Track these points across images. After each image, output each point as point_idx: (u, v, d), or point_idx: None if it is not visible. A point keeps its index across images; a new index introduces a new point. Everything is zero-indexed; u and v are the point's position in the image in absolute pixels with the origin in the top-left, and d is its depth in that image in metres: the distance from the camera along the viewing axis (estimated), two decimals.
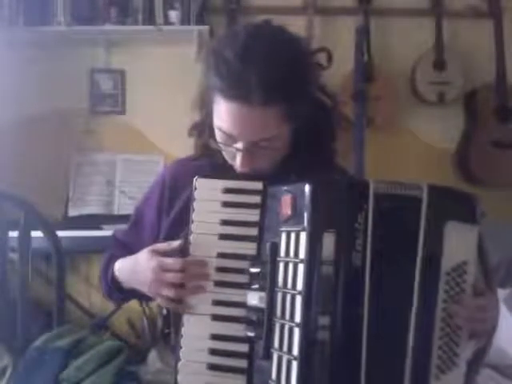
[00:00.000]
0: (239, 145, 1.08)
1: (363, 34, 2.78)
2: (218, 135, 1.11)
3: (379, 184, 0.95)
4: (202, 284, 1.05)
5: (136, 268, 1.13)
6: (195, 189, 1.08)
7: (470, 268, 1.00)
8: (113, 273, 1.23)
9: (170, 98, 2.66)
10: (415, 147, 2.91)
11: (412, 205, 0.96)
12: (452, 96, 2.84)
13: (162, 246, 1.11)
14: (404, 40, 2.90)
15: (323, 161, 1.21)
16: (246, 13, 2.82)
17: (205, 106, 1.15)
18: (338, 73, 2.69)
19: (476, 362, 1.07)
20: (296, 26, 2.33)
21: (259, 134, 1.06)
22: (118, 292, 1.25)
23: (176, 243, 1.09)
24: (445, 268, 0.98)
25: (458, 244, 0.99)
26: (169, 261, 1.06)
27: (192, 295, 1.05)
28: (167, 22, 2.72)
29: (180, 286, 1.05)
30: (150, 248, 1.11)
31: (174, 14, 2.72)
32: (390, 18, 2.90)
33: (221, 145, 1.12)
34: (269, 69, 1.03)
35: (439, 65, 2.82)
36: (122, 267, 1.21)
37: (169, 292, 1.05)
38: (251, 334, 1.01)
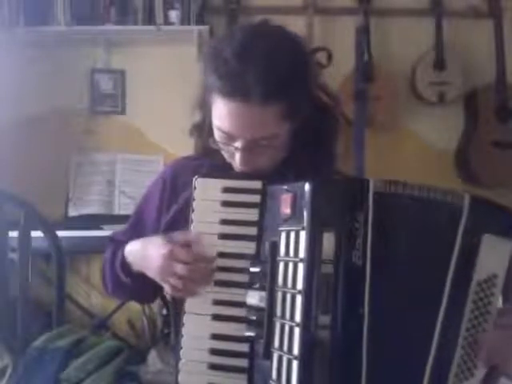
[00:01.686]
0: (238, 144, 1.08)
1: (363, 33, 2.77)
2: (218, 134, 1.11)
3: (379, 183, 0.95)
4: (208, 278, 1.05)
5: (147, 251, 1.13)
6: (194, 188, 1.08)
7: (499, 282, 1.01)
8: (123, 256, 1.22)
9: (170, 97, 2.66)
10: (415, 147, 2.91)
11: (447, 210, 0.97)
12: (452, 96, 2.83)
13: (176, 236, 1.10)
14: (404, 40, 2.89)
15: (323, 162, 1.21)
16: (246, 13, 2.81)
17: (204, 106, 1.15)
18: (338, 73, 2.70)
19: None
20: (296, 26, 2.34)
21: (258, 132, 1.06)
22: (126, 278, 1.23)
23: (191, 235, 1.08)
24: (476, 279, 0.98)
25: (492, 257, 1.00)
26: (180, 251, 1.06)
27: (197, 287, 1.05)
28: (167, 21, 2.72)
29: (187, 277, 1.04)
30: (165, 236, 1.11)
31: (174, 14, 2.72)
32: (390, 18, 2.90)
33: (220, 144, 1.12)
34: (267, 67, 1.03)
35: (439, 65, 2.82)
36: (133, 249, 1.20)
37: (175, 282, 1.05)
38: (251, 334, 1.01)
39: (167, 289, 1.08)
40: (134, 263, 1.20)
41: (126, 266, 1.22)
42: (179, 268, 1.04)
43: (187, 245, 1.07)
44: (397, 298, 0.94)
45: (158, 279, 1.10)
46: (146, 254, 1.13)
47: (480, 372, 1.00)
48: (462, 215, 0.98)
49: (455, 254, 0.97)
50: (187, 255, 1.05)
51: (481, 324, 1.00)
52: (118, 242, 1.32)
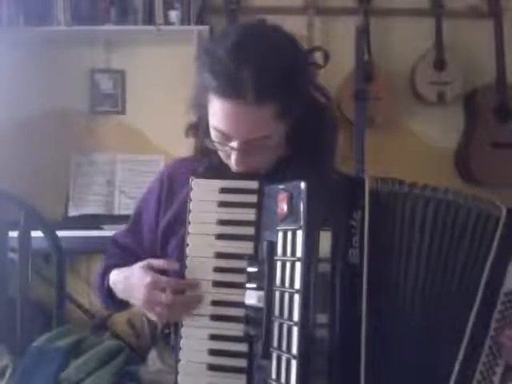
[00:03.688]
0: (234, 144, 1.08)
1: (363, 33, 2.77)
2: (213, 134, 1.11)
3: (375, 181, 0.95)
4: (194, 306, 1.05)
5: (130, 283, 1.13)
6: (191, 189, 1.08)
7: None
8: (108, 285, 1.23)
9: (170, 97, 2.65)
10: (415, 147, 2.91)
11: (477, 215, 0.98)
12: (452, 96, 2.83)
13: (157, 263, 1.11)
14: (404, 40, 2.89)
15: (322, 162, 1.20)
16: (246, 13, 2.81)
17: (200, 106, 1.15)
18: (338, 73, 2.69)
19: None
20: (296, 26, 2.34)
21: (254, 132, 1.06)
22: (115, 303, 1.25)
23: (173, 265, 1.09)
24: (504, 289, 0.99)
25: None
26: (163, 279, 1.06)
27: (184, 313, 1.06)
28: (167, 21, 2.72)
29: (173, 305, 1.05)
30: (145, 263, 1.11)
31: (173, 14, 2.71)
32: (390, 17, 2.90)
33: (216, 144, 1.12)
34: (262, 67, 1.03)
35: (439, 65, 2.81)
36: (117, 281, 1.20)
37: (162, 310, 1.06)
38: (250, 334, 1.01)
39: (154, 317, 1.09)
40: (119, 294, 1.21)
41: (112, 297, 1.23)
42: (163, 297, 1.04)
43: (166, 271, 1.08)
44: (397, 296, 0.95)
45: (143, 309, 1.10)
46: (130, 285, 1.13)
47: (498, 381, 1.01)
48: (498, 226, 0.98)
49: (489, 262, 0.98)
50: (170, 283, 1.05)
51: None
52: (118, 245, 1.32)
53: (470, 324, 0.97)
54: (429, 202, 0.97)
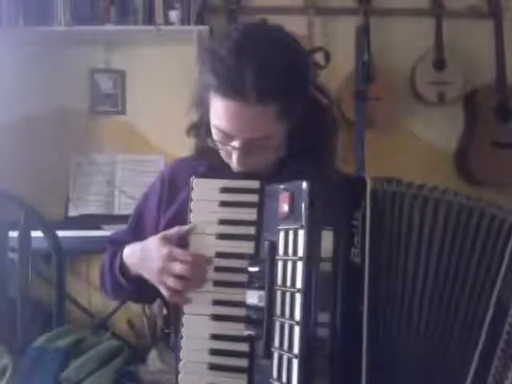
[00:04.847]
0: (235, 143, 1.08)
1: (363, 33, 2.77)
2: (215, 134, 1.11)
3: (377, 181, 0.95)
4: (206, 280, 1.05)
5: (146, 254, 1.12)
6: (192, 189, 1.08)
7: None
8: (121, 259, 1.21)
9: (170, 98, 2.65)
10: (415, 147, 2.91)
11: (491, 220, 0.97)
12: (452, 96, 2.83)
13: (172, 232, 1.09)
14: (404, 40, 2.89)
15: (323, 162, 1.20)
16: (246, 13, 2.81)
17: (201, 105, 1.15)
18: (338, 73, 2.70)
19: None
20: (296, 26, 2.34)
21: (255, 132, 1.06)
22: (126, 281, 1.21)
23: (185, 228, 1.08)
24: None
25: None
26: (179, 251, 1.05)
27: (194, 289, 1.05)
28: (167, 21, 2.72)
29: (185, 278, 1.04)
30: (162, 235, 1.10)
31: (173, 14, 2.72)
32: (390, 17, 2.90)
33: (217, 144, 1.12)
34: (264, 67, 1.03)
35: (439, 65, 2.82)
36: (132, 252, 1.19)
37: (173, 283, 1.04)
38: (251, 333, 1.01)
39: (164, 291, 1.07)
40: (132, 267, 1.19)
41: (124, 269, 1.21)
42: (178, 268, 1.04)
43: (184, 240, 1.07)
44: (403, 297, 0.94)
45: (155, 281, 1.09)
46: (144, 256, 1.12)
47: None
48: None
49: (503, 269, 0.96)
50: (186, 255, 1.04)
51: None
52: (117, 244, 1.31)
53: (484, 328, 0.95)
54: (439, 204, 0.96)
